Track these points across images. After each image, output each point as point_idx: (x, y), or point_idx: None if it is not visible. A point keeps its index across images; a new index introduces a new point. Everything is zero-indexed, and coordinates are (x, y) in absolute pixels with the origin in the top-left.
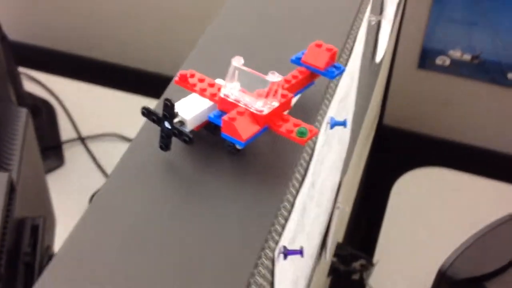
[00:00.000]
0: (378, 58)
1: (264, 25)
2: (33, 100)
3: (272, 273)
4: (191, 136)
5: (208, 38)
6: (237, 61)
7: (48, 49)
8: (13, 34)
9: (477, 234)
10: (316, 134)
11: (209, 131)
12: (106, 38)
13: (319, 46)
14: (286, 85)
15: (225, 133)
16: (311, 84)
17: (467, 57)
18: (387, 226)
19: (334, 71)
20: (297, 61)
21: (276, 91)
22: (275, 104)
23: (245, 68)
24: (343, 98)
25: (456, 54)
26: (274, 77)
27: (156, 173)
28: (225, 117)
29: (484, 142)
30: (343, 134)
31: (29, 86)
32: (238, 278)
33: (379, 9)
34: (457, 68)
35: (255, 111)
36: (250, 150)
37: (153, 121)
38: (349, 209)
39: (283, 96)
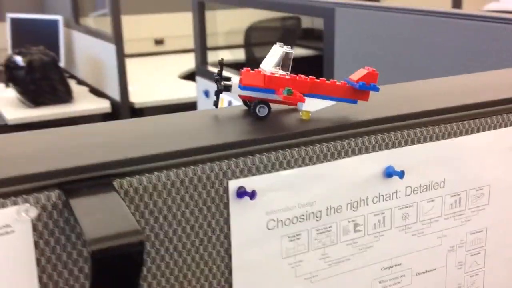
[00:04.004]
0: None
1: None
2: None
3: (227, 207)
4: (223, 88)
5: None
6: (278, 45)
7: None
8: None
9: None
10: (301, 100)
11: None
12: None
13: (366, 68)
14: (317, 81)
15: (239, 83)
16: (353, 101)
17: None
18: None
19: (364, 85)
20: (346, 79)
21: (299, 75)
22: (285, 74)
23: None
24: None
25: None
26: (287, 49)
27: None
28: (242, 70)
29: None
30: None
31: None
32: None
33: None
34: None
35: (267, 73)
36: (272, 124)
37: (215, 81)
38: None
39: (301, 78)
